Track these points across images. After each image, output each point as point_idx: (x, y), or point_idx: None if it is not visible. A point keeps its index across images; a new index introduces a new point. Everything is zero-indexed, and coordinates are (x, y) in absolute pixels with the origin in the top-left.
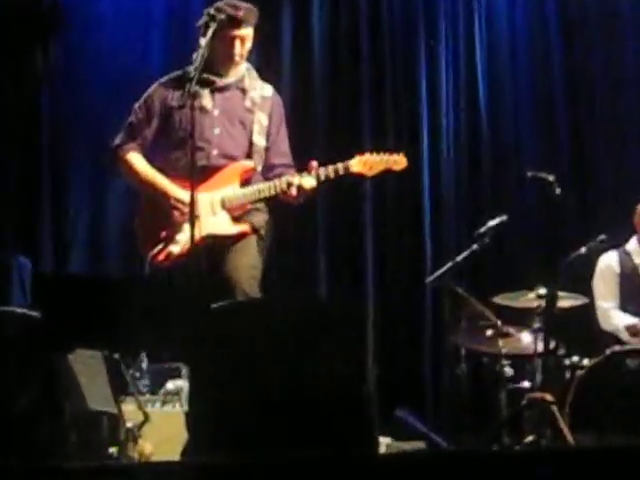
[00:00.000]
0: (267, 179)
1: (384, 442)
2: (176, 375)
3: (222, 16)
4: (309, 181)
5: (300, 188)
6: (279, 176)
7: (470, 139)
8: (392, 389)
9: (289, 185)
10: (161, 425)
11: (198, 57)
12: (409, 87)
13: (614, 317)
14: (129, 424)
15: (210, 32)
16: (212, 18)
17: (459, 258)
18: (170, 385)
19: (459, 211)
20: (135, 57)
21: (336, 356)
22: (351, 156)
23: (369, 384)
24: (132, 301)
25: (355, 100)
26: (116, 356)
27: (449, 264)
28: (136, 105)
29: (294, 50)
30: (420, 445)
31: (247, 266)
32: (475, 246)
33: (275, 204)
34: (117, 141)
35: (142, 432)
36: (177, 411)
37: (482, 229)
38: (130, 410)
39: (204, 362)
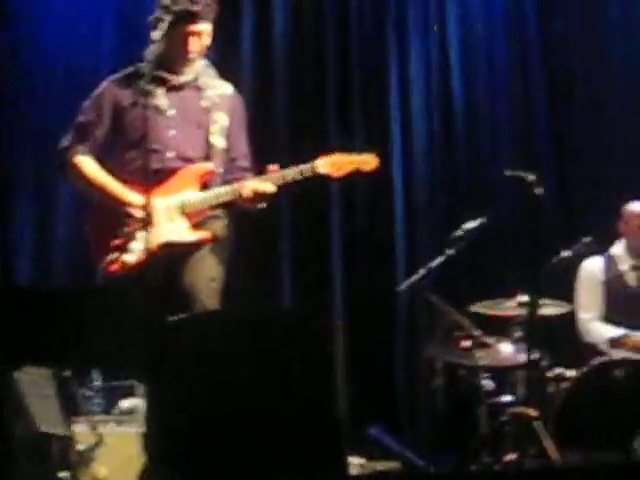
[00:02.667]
0: (226, 183)
1: (356, 462)
2: (130, 393)
3: (177, 7)
4: (267, 186)
5: (257, 193)
6: (238, 180)
7: (444, 137)
8: (364, 405)
9: (246, 190)
10: (116, 447)
11: (151, 53)
12: (378, 83)
13: (594, 331)
14: (81, 446)
15: (164, 26)
16: (166, 10)
17: (433, 264)
18: (124, 404)
19: (433, 213)
20: (85, 52)
21: (303, 373)
22: (317, 156)
23: (339, 403)
24: (83, 314)
25: (320, 98)
26: (66, 374)
27: (423, 271)
28: (85, 104)
29: (255, 46)
30: (394, 465)
31: (206, 277)
32: (451, 251)
33: (234, 210)
34: (65, 142)
35: (95, 455)
36: (133, 432)
37: (458, 232)
38: (82, 431)
39: (161, 379)
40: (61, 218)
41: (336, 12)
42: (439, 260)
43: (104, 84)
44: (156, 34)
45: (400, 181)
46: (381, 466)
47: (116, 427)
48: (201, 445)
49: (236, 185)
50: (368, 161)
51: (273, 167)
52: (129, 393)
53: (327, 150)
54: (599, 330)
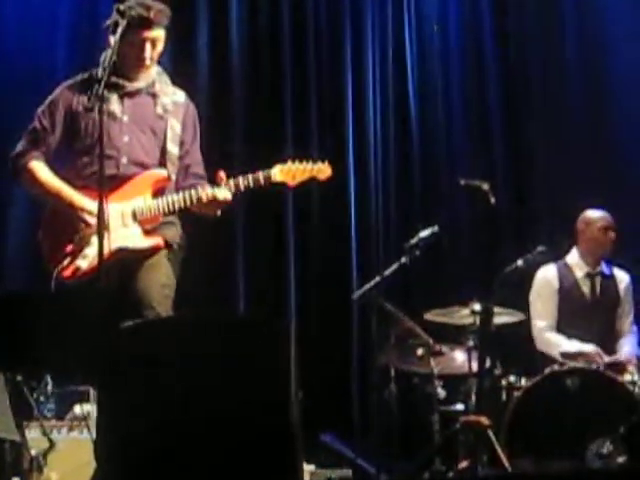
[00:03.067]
0: (180, 189)
1: (308, 470)
2: (84, 399)
3: (132, 13)
4: (223, 193)
5: (213, 200)
6: (192, 187)
7: (399, 145)
8: (317, 412)
9: (201, 197)
10: (68, 453)
11: (106, 58)
12: (334, 92)
13: (550, 340)
14: (33, 452)
15: (119, 32)
16: (122, 15)
17: (388, 272)
18: (77, 410)
19: (388, 222)
20: (40, 58)
21: (258, 378)
22: (272, 165)
23: (293, 409)
24: (36, 319)
25: (276, 106)
26: (19, 378)
27: (377, 278)
28: (39, 110)
29: (210, 53)
30: (347, 473)
31: (159, 284)
32: (405, 259)
33: (189, 217)
34: (19, 148)
35: (47, 460)
36: (85, 438)
37: (412, 241)
38: (34, 437)
39: (114, 385)
40: (15, 223)
41: (293, 20)
42: (393, 268)
43: (58, 90)
44: (112, 38)
45: (354, 188)
46: (333, 474)
47: (68, 433)
48: (154, 451)
49: (189, 192)
50: (322, 170)
51: (221, 174)
52: (83, 399)
53: (283, 158)
54: (554, 341)
